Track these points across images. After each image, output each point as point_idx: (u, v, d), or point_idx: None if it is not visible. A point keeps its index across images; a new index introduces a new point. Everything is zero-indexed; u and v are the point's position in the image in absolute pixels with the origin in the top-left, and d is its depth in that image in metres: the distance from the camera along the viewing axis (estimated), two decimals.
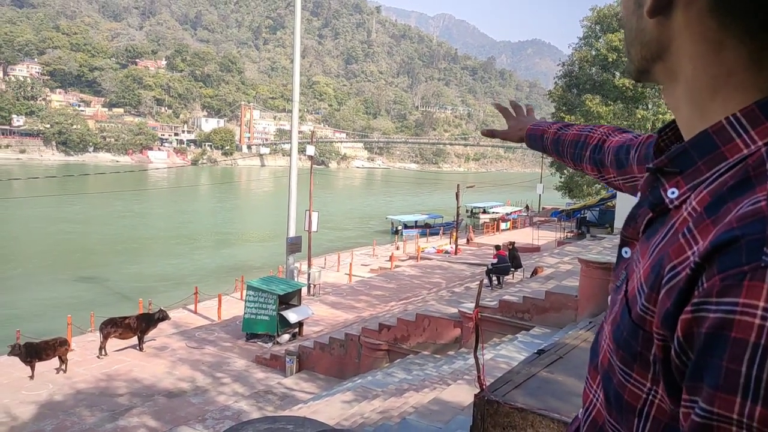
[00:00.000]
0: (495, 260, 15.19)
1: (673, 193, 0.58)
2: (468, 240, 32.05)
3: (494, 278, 15.01)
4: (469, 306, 10.38)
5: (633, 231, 0.65)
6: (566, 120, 31.63)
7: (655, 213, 0.60)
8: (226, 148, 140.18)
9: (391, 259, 26.30)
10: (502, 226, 38.30)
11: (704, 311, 0.45)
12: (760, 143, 0.51)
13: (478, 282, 6.13)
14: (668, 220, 0.57)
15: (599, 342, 0.67)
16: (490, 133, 1.42)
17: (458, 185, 29.77)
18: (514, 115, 1.39)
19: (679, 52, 0.57)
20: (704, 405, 0.44)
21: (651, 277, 0.53)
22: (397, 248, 30.50)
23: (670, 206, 0.58)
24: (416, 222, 40.92)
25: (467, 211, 47.00)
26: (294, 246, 19.74)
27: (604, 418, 0.64)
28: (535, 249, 25.78)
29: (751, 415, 0.41)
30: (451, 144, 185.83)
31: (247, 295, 15.12)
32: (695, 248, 0.49)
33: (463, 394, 6.33)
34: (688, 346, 0.47)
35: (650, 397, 0.55)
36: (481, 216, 45.53)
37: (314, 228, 20.67)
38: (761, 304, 0.41)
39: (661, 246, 0.54)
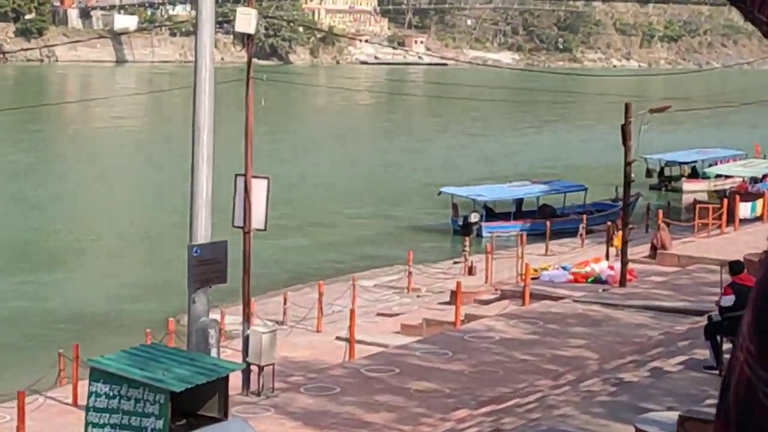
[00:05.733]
0: (727, 298, 8.77)
1: None
2: (654, 247, 16.91)
3: (723, 342, 8.71)
4: (670, 417, 5.66)
5: None
6: None
7: None
8: (30, 19, 73.85)
9: (456, 296, 13.42)
10: (743, 210, 20.31)
11: None
12: None
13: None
14: None
15: None
16: None
17: (627, 105, 15.11)
18: None
19: None
20: None
21: None
22: (470, 269, 17.03)
23: None
24: (516, 203, 22.84)
25: (648, 171, 25.88)
26: (207, 268, 8.81)
27: None
28: None
29: None
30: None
31: (90, 392, 7.61)
32: None
33: None
34: None
35: None
36: (685, 185, 26.42)
37: (260, 223, 9.59)
38: None
39: None
